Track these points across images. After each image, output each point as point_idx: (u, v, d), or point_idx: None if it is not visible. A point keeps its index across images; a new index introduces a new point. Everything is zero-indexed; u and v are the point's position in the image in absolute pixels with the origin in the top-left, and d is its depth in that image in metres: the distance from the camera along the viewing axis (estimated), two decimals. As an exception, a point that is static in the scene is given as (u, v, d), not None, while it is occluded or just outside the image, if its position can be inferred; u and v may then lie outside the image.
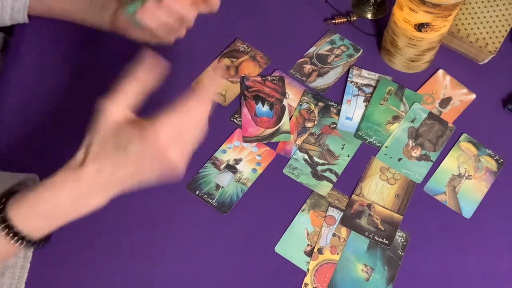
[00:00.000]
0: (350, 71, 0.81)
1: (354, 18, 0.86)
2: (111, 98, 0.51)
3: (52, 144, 0.71)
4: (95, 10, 0.75)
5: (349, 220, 0.69)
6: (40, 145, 0.72)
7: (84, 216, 0.53)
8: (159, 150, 0.50)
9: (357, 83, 0.80)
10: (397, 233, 0.68)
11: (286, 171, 0.72)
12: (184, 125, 0.52)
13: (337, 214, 0.69)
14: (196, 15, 0.68)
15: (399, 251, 0.67)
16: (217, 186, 0.70)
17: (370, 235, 0.68)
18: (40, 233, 0.53)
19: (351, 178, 0.72)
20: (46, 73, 0.77)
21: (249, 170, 0.72)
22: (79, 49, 0.80)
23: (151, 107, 0.77)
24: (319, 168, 0.73)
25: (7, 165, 0.67)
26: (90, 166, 0.50)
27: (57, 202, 0.51)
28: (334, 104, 0.78)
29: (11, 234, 0.50)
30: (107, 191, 0.52)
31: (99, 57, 0.80)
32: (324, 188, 0.71)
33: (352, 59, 0.83)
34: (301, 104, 0.78)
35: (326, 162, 0.73)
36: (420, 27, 0.73)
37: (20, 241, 0.51)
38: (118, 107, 0.52)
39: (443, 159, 0.75)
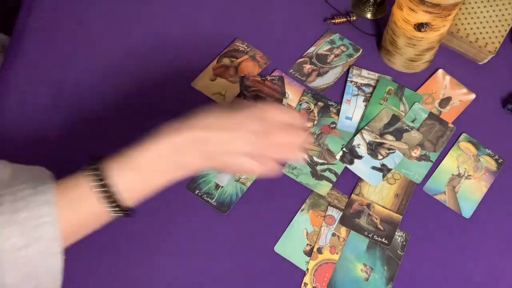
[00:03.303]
0: (350, 70, 0.81)
1: (354, 18, 0.86)
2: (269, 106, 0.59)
3: (53, 143, 0.71)
4: None
5: (349, 220, 0.69)
6: (41, 144, 0.72)
7: (178, 180, 0.56)
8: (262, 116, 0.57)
9: (357, 82, 0.80)
10: (396, 233, 0.68)
11: (285, 170, 0.72)
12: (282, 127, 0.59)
13: (336, 214, 0.69)
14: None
15: (398, 251, 0.67)
16: (217, 186, 0.70)
17: (369, 235, 0.68)
18: (134, 195, 0.53)
19: (350, 178, 0.72)
20: (46, 73, 0.77)
21: (248, 170, 0.72)
22: (79, 49, 0.80)
23: (150, 107, 0.77)
24: (318, 167, 0.73)
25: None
26: (191, 127, 0.54)
27: (156, 154, 0.53)
28: (333, 103, 0.78)
29: (107, 194, 0.51)
30: (201, 156, 0.55)
31: (99, 56, 0.80)
32: (323, 187, 0.71)
33: (351, 59, 0.83)
34: (301, 103, 0.78)
35: (325, 161, 0.73)
36: (419, 27, 0.73)
37: (113, 203, 0.51)
38: (274, 109, 0.58)
39: (443, 159, 0.75)
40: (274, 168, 0.60)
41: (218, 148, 0.55)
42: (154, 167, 0.53)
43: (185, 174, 0.56)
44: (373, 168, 0.72)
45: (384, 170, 0.72)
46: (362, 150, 0.74)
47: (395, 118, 0.76)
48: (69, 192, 0.51)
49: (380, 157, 0.73)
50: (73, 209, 0.51)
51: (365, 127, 0.75)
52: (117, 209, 0.52)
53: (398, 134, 0.75)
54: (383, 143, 0.74)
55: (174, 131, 0.54)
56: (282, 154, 0.60)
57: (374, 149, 0.74)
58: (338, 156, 0.73)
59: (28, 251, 0.48)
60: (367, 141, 0.74)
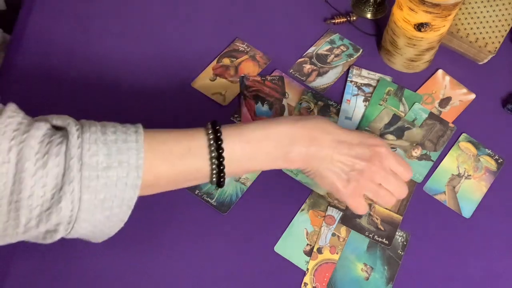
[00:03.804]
0: (350, 70, 0.81)
1: (354, 18, 0.86)
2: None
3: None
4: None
5: (349, 220, 0.69)
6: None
7: (276, 169, 0.57)
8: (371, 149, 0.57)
9: (357, 82, 0.80)
10: (397, 233, 0.68)
11: (285, 170, 0.72)
12: (389, 179, 0.59)
13: (336, 214, 0.69)
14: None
15: (399, 251, 0.67)
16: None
17: (370, 235, 0.68)
18: (234, 166, 0.54)
19: (350, 178, 0.72)
20: (46, 73, 0.77)
21: (248, 170, 0.72)
22: (79, 48, 0.80)
23: (150, 107, 0.77)
24: (318, 167, 0.72)
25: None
26: (308, 124, 0.56)
27: (267, 136, 0.54)
28: (333, 103, 0.78)
29: (220, 155, 0.52)
30: (304, 155, 0.56)
31: (99, 56, 0.80)
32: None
33: (351, 59, 0.83)
34: (301, 103, 0.78)
35: (325, 161, 0.73)
36: (419, 27, 0.73)
37: (219, 167, 0.53)
38: (387, 149, 0.59)
39: (443, 158, 0.75)
40: (361, 205, 0.60)
41: (320, 154, 0.56)
42: (262, 147, 0.54)
43: (285, 167, 0.57)
44: (373, 168, 0.72)
45: (384, 170, 0.72)
46: (362, 150, 0.73)
47: (395, 118, 0.76)
48: (181, 143, 0.52)
49: (380, 157, 0.73)
50: (177, 158, 0.52)
51: (366, 128, 0.75)
52: (219, 174, 0.53)
53: (399, 133, 0.75)
54: (383, 143, 0.74)
55: (292, 121, 0.56)
56: (375, 195, 0.59)
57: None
58: None
59: (109, 174, 0.48)
60: (367, 141, 0.74)
